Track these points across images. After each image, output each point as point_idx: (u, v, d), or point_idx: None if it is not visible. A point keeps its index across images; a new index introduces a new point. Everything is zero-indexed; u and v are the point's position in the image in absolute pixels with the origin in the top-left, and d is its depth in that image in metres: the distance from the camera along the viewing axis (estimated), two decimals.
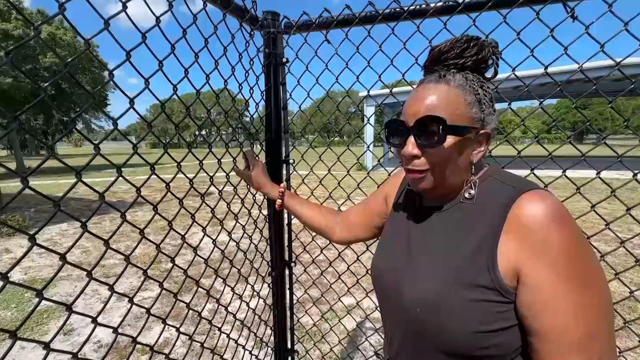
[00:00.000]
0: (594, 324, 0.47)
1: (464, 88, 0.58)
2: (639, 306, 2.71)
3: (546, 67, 0.92)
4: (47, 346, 0.54)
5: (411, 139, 0.60)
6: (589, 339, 0.47)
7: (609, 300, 0.50)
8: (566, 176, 0.92)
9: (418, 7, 1.01)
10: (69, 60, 0.52)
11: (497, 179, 0.61)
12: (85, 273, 0.58)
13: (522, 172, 0.90)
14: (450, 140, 0.57)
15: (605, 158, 0.81)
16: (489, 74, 0.64)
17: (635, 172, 0.88)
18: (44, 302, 0.50)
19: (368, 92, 1.01)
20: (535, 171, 0.99)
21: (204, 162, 0.92)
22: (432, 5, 0.99)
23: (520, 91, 0.94)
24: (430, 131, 0.57)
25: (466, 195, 0.62)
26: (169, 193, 0.80)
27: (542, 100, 0.93)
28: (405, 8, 1.02)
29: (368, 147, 1.22)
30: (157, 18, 0.69)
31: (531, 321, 0.51)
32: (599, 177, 0.89)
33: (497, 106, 0.64)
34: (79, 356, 0.60)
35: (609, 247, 4.00)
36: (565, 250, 0.48)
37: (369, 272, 0.78)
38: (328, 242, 1.13)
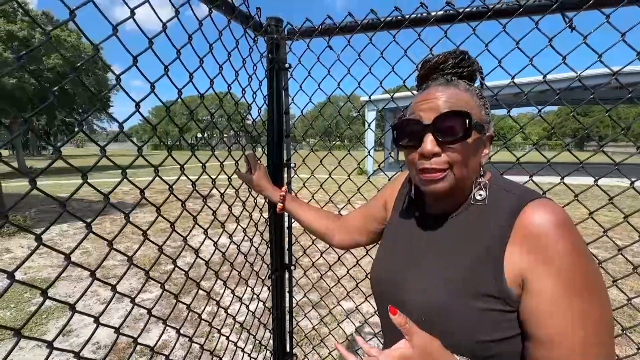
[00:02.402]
0: (596, 332, 0.48)
1: (471, 92, 0.61)
2: (638, 314, 2.70)
3: (545, 76, 0.94)
4: (50, 345, 0.54)
5: (429, 136, 0.58)
6: (590, 346, 0.48)
7: (609, 308, 0.50)
8: (564, 183, 0.93)
9: (419, 15, 1.03)
10: (78, 65, 0.53)
11: (501, 187, 0.62)
12: (85, 273, 0.59)
13: (522, 179, 0.91)
14: (472, 137, 0.58)
15: (606, 165, 0.82)
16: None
17: (633, 179, 0.89)
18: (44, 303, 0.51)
19: (369, 97, 1.03)
20: (537, 177, 1.00)
21: (207, 164, 0.93)
22: (433, 14, 1.01)
23: (520, 98, 0.95)
24: (452, 126, 0.56)
25: (477, 197, 0.62)
26: (170, 195, 0.81)
27: (540, 108, 0.94)
28: (407, 16, 1.04)
29: (369, 152, 1.23)
30: (164, 24, 0.70)
31: (533, 327, 0.51)
32: (597, 185, 0.90)
33: (498, 112, 0.66)
34: (80, 356, 0.60)
35: (610, 255, 3.99)
36: (570, 258, 0.49)
37: (369, 277, 0.79)
38: (328, 246, 1.13)
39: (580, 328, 0.48)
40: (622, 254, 0.94)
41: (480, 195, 0.61)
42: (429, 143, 0.58)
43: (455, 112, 0.57)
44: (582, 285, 0.49)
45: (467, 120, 0.56)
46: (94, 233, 0.61)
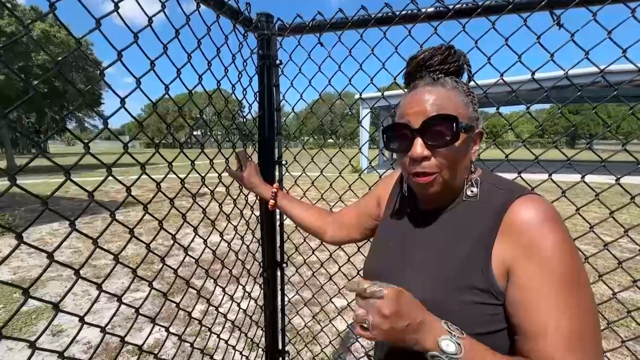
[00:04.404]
0: (582, 324, 0.49)
1: (457, 90, 0.60)
2: (626, 309, 2.74)
3: (533, 73, 0.94)
4: (32, 345, 0.53)
5: (418, 140, 0.58)
6: (577, 339, 0.48)
7: (594, 302, 0.51)
8: (552, 180, 0.95)
9: (410, 12, 1.03)
10: (60, 59, 0.52)
11: (491, 183, 0.62)
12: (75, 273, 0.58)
13: (512, 176, 0.92)
14: (460, 138, 0.58)
15: (597, 162, 0.83)
16: (463, 80, 0.67)
17: (618, 176, 0.91)
18: (33, 303, 0.50)
19: (360, 95, 1.02)
20: (529, 175, 1.00)
21: (198, 162, 0.92)
22: (424, 10, 1.01)
23: (511, 95, 0.96)
24: (440, 131, 0.57)
25: (469, 193, 0.63)
26: (161, 193, 0.80)
27: (528, 106, 0.95)
28: (397, 13, 1.03)
29: (360, 149, 1.23)
30: (150, 18, 0.69)
31: (520, 320, 0.52)
32: (584, 181, 0.91)
33: (492, 110, 0.66)
34: (66, 355, 0.59)
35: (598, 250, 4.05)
36: (557, 252, 0.50)
37: (361, 274, 0.79)
38: (320, 243, 1.13)
39: (565, 320, 0.49)
40: (607, 249, 0.95)
41: (472, 191, 0.63)
42: (419, 147, 0.58)
43: (442, 116, 0.57)
44: (568, 279, 0.50)
45: (454, 124, 0.56)
46: (78, 231, 0.60)
